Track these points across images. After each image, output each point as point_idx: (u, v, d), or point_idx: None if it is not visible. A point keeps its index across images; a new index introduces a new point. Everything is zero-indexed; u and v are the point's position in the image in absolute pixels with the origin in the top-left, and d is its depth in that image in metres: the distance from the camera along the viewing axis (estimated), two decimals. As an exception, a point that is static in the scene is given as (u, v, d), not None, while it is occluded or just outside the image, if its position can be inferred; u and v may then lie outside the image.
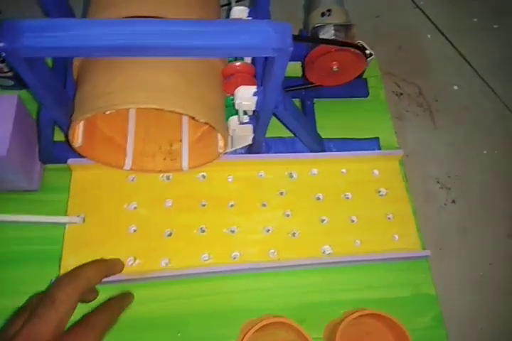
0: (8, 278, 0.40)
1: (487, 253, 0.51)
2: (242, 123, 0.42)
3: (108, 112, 0.32)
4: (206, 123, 0.36)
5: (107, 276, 0.33)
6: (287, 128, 0.45)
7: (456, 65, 0.65)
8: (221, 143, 0.40)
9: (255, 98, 0.38)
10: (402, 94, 0.60)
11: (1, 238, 0.42)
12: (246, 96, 0.38)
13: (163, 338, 0.39)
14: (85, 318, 0.29)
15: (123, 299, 0.34)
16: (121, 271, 0.36)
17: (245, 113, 0.41)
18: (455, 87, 0.63)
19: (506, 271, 0.51)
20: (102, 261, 0.35)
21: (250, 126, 0.42)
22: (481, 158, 0.57)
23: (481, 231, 0.53)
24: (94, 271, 0.30)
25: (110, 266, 0.34)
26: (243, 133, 0.43)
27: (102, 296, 0.38)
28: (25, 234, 0.42)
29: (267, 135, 0.44)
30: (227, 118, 0.42)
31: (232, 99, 0.40)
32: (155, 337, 0.39)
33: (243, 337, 0.38)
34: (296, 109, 0.43)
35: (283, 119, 0.42)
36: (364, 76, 0.53)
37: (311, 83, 0.46)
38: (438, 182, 0.55)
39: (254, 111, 0.42)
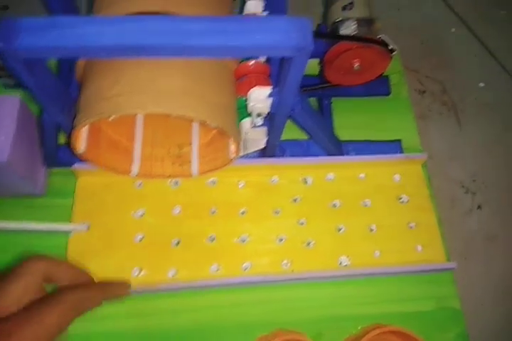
0: None
1: (514, 263, 0.48)
2: (255, 126, 0.39)
3: (112, 117, 0.30)
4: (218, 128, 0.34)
5: (107, 300, 0.28)
6: (304, 131, 0.42)
7: (483, 60, 0.61)
8: (233, 147, 0.38)
9: (270, 100, 0.35)
10: (424, 91, 0.57)
11: (1, 245, 0.40)
12: (260, 98, 0.35)
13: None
14: (55, 291, 0.25)
15: (117, 286, 0.29)
16: (125, 295, 0.30)
17: (259, 115, 0.38)
18: (481, 84, 0.59)
19: (535, 283, 0.48)
20: (107, 285, 0.29)
21: (264, 129, 0.39)
22: (508, 160, 0.54)
23: (509, 239, 0.50)
24: (94, 294, 0.27)
25: (114, 291, 0.29)
26: (256, 136, 0.40)
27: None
28: (28, 241, 0.40)
29: (281, 137, 0.41)
30: (239, 121, 0.39)
31: (245, 101, 0.38)
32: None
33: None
34: (314, 110, 0.41)
35: (299, 122, 0.39)
36: (385, 73, 0.50)
37: (330, 82, 0.43)
38: (463, 187, 0.52)
39: (268, 113, 0.39)
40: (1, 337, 0.21)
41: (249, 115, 0.39)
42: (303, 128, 0.41)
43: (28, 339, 0.22)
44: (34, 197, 0.42)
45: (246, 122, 0.39)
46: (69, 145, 0.35)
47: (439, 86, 0.58)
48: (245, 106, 0.38)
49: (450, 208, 0.51)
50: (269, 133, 0.40)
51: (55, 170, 0.43)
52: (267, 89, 0.35)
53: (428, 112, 0.56)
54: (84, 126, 0.31)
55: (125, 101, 0.30)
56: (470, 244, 0.49)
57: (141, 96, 0.30)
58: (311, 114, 0.39)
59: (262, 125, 0.39)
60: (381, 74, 0.46)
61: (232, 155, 0.38)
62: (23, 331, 0.22)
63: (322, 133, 0.42)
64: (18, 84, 0.46)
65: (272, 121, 0.38)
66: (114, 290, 0.29)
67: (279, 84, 0.34)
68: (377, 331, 0.37)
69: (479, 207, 0.51)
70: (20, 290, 0.24)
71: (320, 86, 0.44)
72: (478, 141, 0.55)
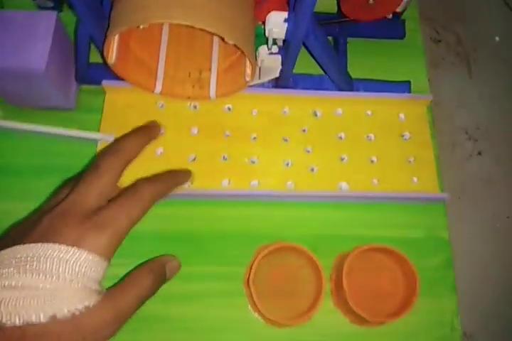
0: (30, 190, 0.43)
1: (506, 207, 0.51)
2: (271, 53, 0.42)
3: (142, 26, 0.33)
4: (235, 47, 0.36)
5: (148, 143, 0.33)
6: (317, 62, 0.45)
7: (501, 15, 0.62)
8: (249, 70, 0.41)
9: (286, 25, 0.38)
10: (440, 41, 0.58)
11: (27, 149, 0.44)
12: (277, 22, 0.38)
13: (182, 250, 0.41)
14: (135, 185, 0.27)
15: (181, 174, 0.33)
16: (158, 135, 0.34)
17: (275, 42, 0.41)
18: (497, 38, 0.60)
19: (523, 225, 0.51)
20: (141, 130, 0.33)
21: (279, 57, 0.42)
22: (514, 112, 0.56)
23: (503, 185, 0.52)
24: (135, 142, 0.31)
25: (149, 134, 0.33)
26: (271, 64, 0.43)
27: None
28: (54, 148, 0.44)
29: (296, 71, 0.44)
30: (256, 48, 0.42)
31: (263, 28, 0.40)
32: (175, 250, 0.41)
33: (255, 259, 0.40)
34: (328, 43, 0.43)
35: (313, 51, 0.42)
36: (402, 17, 0.51)
37: (345, 17, 0.45)
38: (466, 133, 0.54)
39: (283, 42, 0.42)
40: (97, 229, 0.23)
41: (266, 42, 0.41)
42: (315, 59, 0.43)
43: (120, 231, 0.24)
44: (64, 111, 0.46)
45: (263, 49, 0.41)
46: (102, 56, 0.38)
47: (454, 37, 0.59)
48: (262, 34, 0.41)
49: (451, 152, 0.53)
50: (284, 62, 0.43)
51: (85, 87, 0.47)
52: (284, 14, 0.37)
53: (441, 61, 0.58)
54: (117, 33, 0.34)
55: (156, 12, 0.33)
56: (465, 186, 0.52)
57: (172, 8, 0.33)
58: (324, 44, 0.42)
59: (277, 53, 0.42)
60: (397, 17, 0.48)
61: (248, 78, 0.41)
62: (115, 223, 0.24)
63: (333, 66, 0.44)
64: (54, 7, 0.49)
65: (286, 49, 0.41)
66: (181, 178, 0.33)
67: (295, 8, 0.37)
68: (366, 247, 0.41)
69: (479, 153, 0.54)
70: (102, 186, 0.26)
71: (336, 20, 0.46)
72: (487, 92, 0.57)
